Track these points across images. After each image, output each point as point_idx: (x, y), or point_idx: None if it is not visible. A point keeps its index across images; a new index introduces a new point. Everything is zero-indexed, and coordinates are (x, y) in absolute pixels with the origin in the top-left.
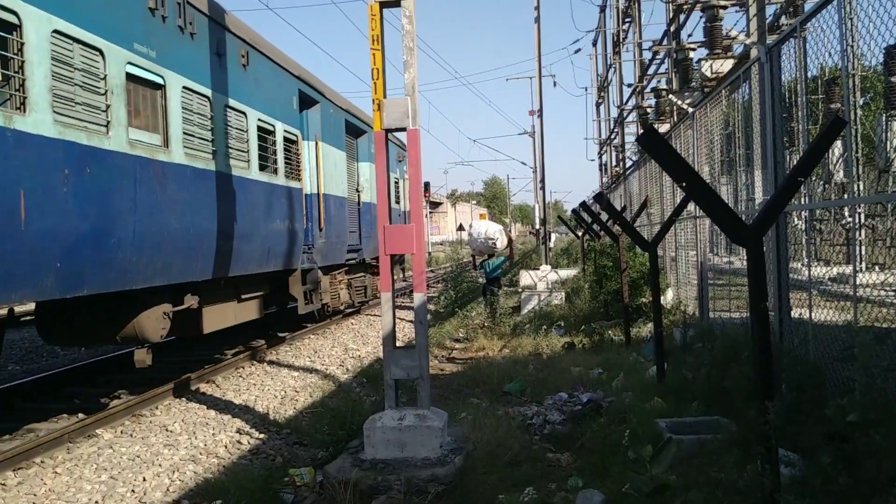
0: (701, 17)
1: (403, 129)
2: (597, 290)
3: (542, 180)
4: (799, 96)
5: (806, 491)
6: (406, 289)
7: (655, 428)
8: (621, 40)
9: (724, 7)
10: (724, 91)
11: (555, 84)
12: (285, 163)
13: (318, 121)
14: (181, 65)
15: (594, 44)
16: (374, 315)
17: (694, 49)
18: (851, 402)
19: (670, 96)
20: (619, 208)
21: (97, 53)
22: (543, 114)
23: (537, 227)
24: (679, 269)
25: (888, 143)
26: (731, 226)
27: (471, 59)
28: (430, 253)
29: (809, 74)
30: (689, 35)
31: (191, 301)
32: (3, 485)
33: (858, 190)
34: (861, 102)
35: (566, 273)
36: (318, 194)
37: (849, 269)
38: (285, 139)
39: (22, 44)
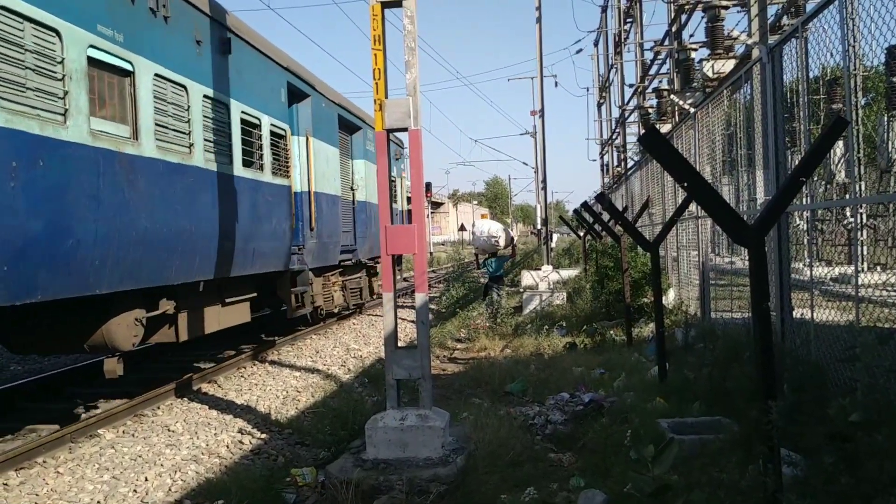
0: (702, 18)
1: (405, 130)
2: (598, 291)
3: (544, 180)
4: (800, 96)
5: (808, 491)
6: (407, 289)
7: (657, 428)
8: (623, 40)
9: (726, 7)
10: (725, 91)
11: (556, 84)
12: (273, 159)
13: (308, 115)
14: (153, 51)
15: (596, 44)
16: (376, 315)
17: (695, 49)
18: (853, 402)
19: (672, 96)
20: (620, 208)
21: (53, 34)
22: (545, 114)
23: (539, 227)
24: (681, 269)
25: (890, 143)
26: (732, 226)
27: (472, 59)
28: (431, 253)
29: (811, 75)
30: (691, 35)
31: (166, 306)
32: (6, 485)
33: (860, 190)
34: (863, 103)
35: (568, 273)
36: (309, 192)
37: (850, 270)
38: (273, 134)
39: None
